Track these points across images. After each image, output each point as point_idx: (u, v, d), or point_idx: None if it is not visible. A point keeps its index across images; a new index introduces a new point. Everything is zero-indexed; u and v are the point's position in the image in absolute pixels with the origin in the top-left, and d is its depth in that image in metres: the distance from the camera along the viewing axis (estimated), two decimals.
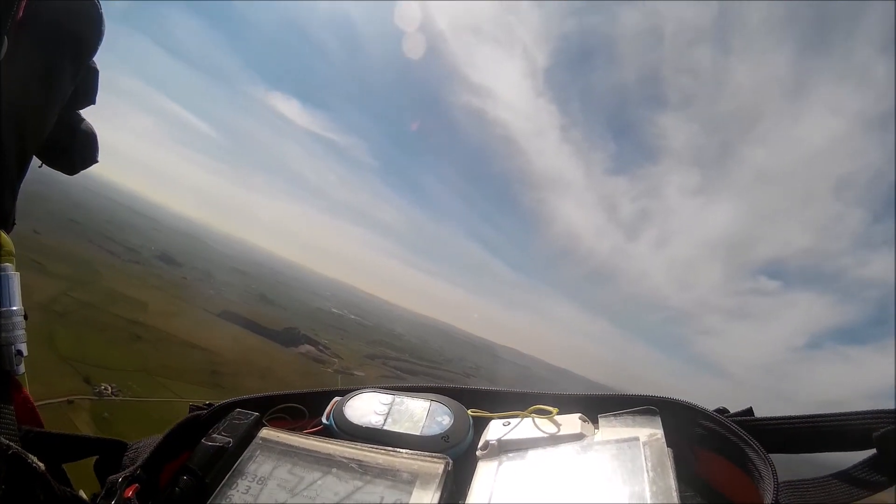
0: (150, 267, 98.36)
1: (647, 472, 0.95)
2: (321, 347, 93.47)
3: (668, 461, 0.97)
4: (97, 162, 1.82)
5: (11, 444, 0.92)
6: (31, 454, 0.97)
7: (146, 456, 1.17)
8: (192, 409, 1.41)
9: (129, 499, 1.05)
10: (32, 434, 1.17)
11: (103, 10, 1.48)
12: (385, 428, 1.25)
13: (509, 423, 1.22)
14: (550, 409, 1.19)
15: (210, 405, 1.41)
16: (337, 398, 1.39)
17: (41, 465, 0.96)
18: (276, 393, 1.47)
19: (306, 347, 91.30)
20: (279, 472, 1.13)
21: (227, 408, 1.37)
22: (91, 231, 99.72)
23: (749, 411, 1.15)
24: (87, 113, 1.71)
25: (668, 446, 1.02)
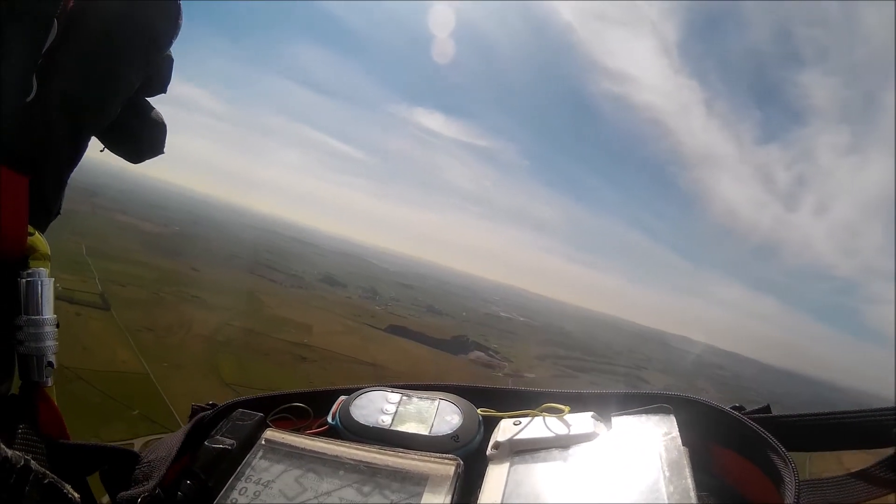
0: (313, 290, 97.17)
1: (664, 471, 0.94)
2: (491, 352, 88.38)
3: (684, 460, 0.96)
4: (163, 153, 1.72)
5: (48, 472, 0.91)
6: (57, 474, 0.95)
7: (163, 472, 1.13)
8: (195, 409, 1.40)
9: None
10: (47, 441, 1.14)
11: (181, 4, 1.45)
12: (393, 428, 1.24)
13: (520, 423, 1.21)
14: (562, 407, 1.18)
15: (213, 405, 1.40)
16: (343, 397, 1.36)
17: (76, 495, 0.95)
18: (279, 392, 1.46)
19: (476, 353, 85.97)
20: (284, 476, 1.11)
21: (230, 408, 1.35)
22: (252, 263, 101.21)
23: (766, 409, 1.15)
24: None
25: (683, 445, 1.01)
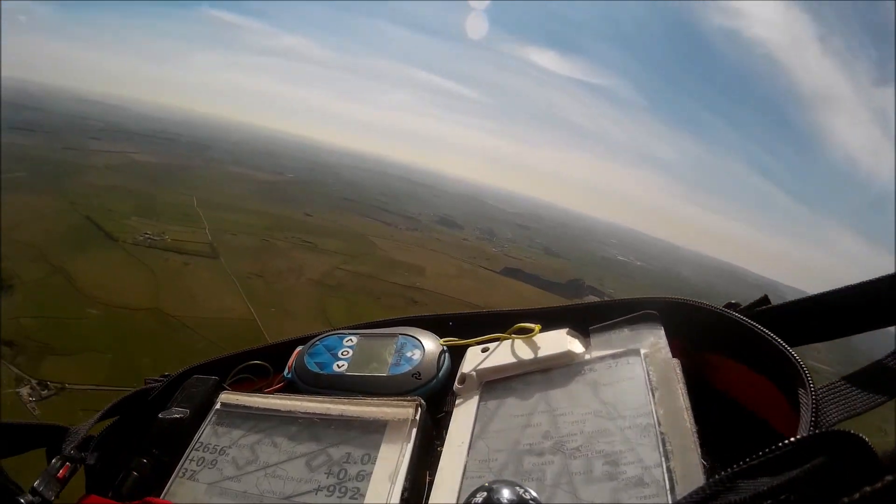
0: (429, 233, 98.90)
1: (652, 390, 0.88)
2: (606, 297, 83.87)
3: (674, 374, 0.90)
4: None
5: None
6: None
7: (82, 434, 1.15)
8: (148, 382, 1.40)
9: (60, 479, 1.04)
10: None
11: None
12: (349, 373, 1.22)
13: (488, 349, 1.17)
14: (532, 326, 1.13)
15: (167, 376, 1.39)
16: (300, 347, 1.36)
17: None
18: (237, 352, 1.44)
19: (591, 298, 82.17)
20: (241, 441, 1.08)
21: (184, 376, 1.33)
22: (366, 206, 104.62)
23: (764, 300, 1.06)
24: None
25: (674, 356, 0.95)
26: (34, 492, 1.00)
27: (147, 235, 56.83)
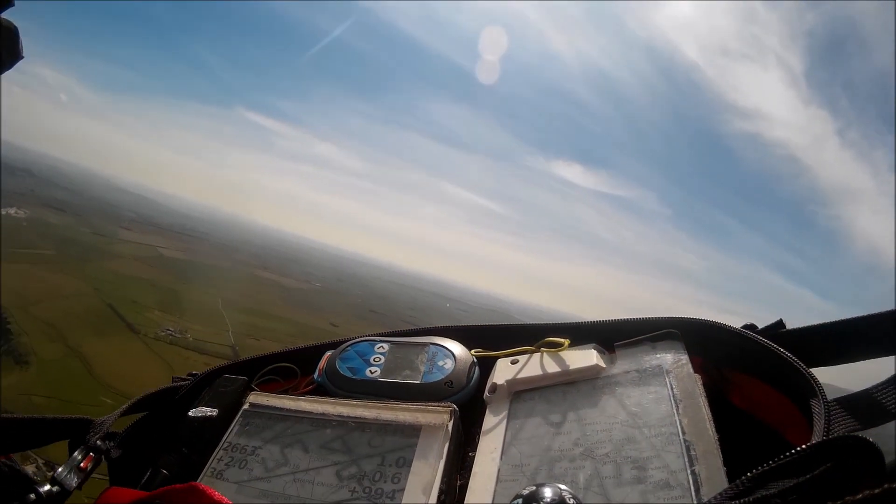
0: None
1: (675, 402, 0.93)
2: None
3: (697, 389, 0.95)
4: (23, 57, 1.66)
5: None
6: None
7: (107, 426, 1.16)
8: (175, 380, 1.43)
9: (83, 469, 1.06)
10: None
11: None
12: (382, 379, 1.23)
13: (518, 361, 1.21)
14: (561, 341, 1.18)
15: (194, 375, 1.42)
16: (329, 352, 1.37)
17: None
18: (265, 354, 1.46)
19: None
20: (271, 444, 1.10)
21: (211, 375, 1.37)
22: (393, 319, 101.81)
23: (779, 324, 1.11)
24: None
25: (695, 372, 1.00)
26: (54, 481, 1.00)
27: (169, 331, 55.30)
